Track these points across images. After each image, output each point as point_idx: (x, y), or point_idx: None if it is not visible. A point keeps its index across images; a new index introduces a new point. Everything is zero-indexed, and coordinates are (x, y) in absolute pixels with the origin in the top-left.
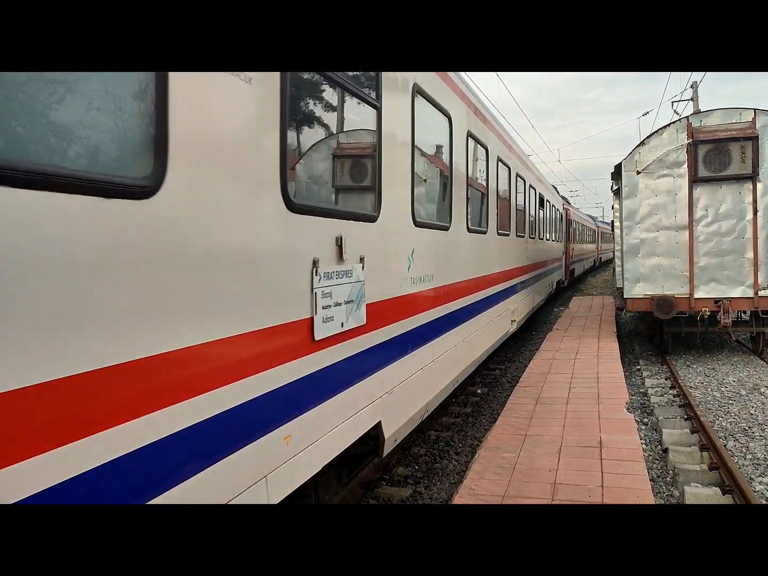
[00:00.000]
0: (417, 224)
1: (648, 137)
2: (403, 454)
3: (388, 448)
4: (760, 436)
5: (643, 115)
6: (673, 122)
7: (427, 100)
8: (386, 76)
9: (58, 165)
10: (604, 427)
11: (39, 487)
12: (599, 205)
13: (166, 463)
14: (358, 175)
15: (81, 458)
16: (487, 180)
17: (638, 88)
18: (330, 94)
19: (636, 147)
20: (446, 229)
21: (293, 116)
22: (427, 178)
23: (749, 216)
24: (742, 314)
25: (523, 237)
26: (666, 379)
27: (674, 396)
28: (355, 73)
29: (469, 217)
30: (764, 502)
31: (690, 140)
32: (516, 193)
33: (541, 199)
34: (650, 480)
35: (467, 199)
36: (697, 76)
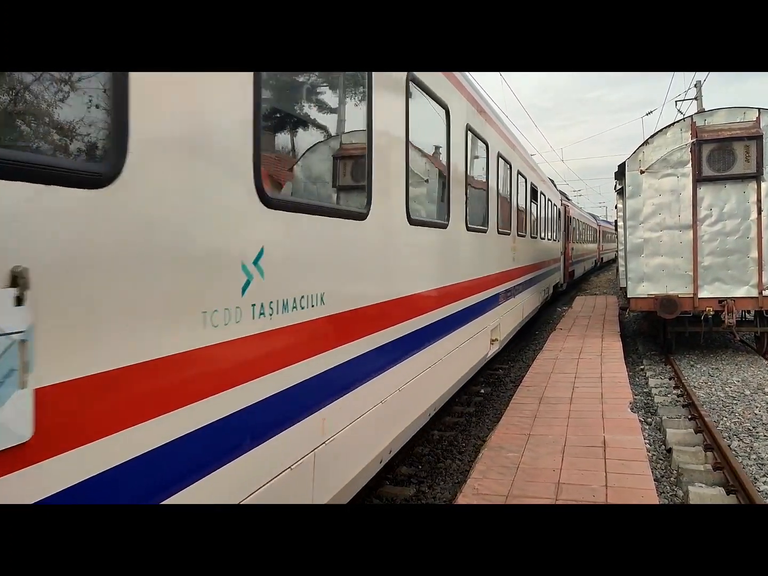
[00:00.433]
0: (268, 205)
1: (652, 136)
2: (407, 454)
3: None
4: (765, 436)
5: (647, 114)
6: (677, 121)
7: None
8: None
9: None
10: (608, 427)
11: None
12: (602, 204)
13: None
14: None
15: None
16: (448, 156)
17: (642, 87)
18: (313, 80)
19: (640, 146)
20: (361, 217)
21: (269, 105)
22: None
23: (753, 215)
24: (746, 314)
25: (509, 235)
26: (670, 378)
27: (678, 396)
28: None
29: (412, 202)
30: None
31: (694, 139)
32: (498, 178)
33: (534, 191)
34: (654, 480)
35: (406, 175)
36: (701, 75)
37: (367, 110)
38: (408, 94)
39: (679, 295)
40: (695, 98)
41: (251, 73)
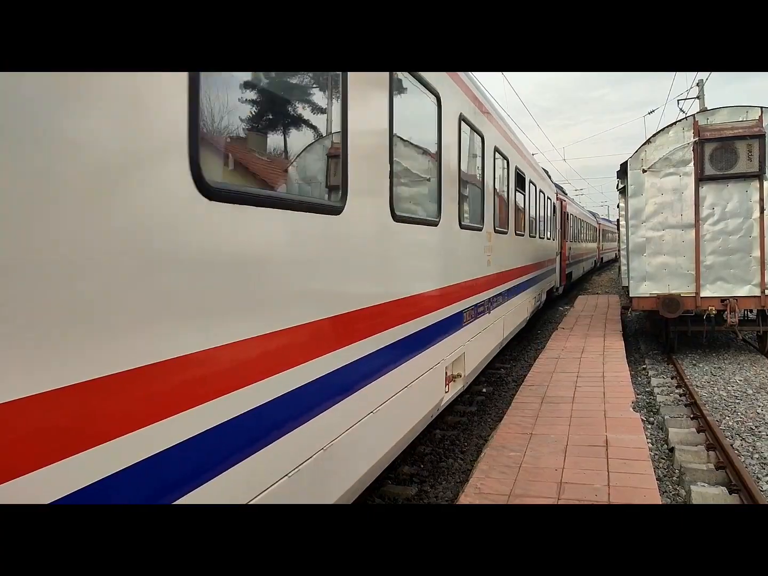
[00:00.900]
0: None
1: (654, 135)
2: (409, 453)
3: None
4: (767, 435)
5: (649, 113)
6: (679, 120)
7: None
8: None
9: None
10: (610, 426)
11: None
12: (604, 203)
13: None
14: None
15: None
16: (390, 114)
17: (644, 86)
18: None
19: (642, 145)
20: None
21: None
22: None
23: (756, 214)
24: (749, 313)
25: (481, 231)
26: (672, 378)
27: (680, 395)
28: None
29: (312, 178)
30: None
31: (696, 138)
32: (468, 155)
33: (520, 178)
34: (657, 479)
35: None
36: (703, 74)
37: (342, 88)
38: (391, 77)
39: (682, 295)
40: (697, 97)
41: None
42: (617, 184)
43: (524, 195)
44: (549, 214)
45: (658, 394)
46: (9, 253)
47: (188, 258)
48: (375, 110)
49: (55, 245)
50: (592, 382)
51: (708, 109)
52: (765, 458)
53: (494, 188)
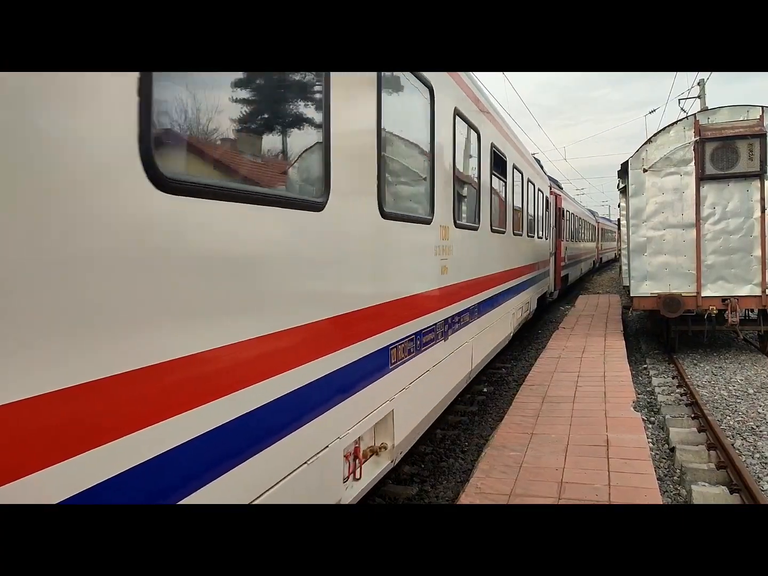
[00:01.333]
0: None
1: (655, 135)
2: (410, 453)
3: None
4: None
5: (650, 112)
6: (680, 120)
7: None
8: None
9: None
10: (611, 426)
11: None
12: (605, 203)
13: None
14: None
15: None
16: (377, 97)
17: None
18: None
19: (643, 145)
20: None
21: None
22: None
23: (757, 214)
24: (750, 312)
25: (428, 224)
26: (673, 377)
27: (681, 395)
28: None
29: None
30: None
31: (697, 138)
32: (427, 128)
33: (499, 160)
34: (657, 479)
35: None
36: (704, 74)
37: (324, 77)
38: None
39: (683, 294)
40: (698, 96)
41: None
42: (618, 184)
43: (505, 182)
44: (541, 209)
45: (659, 393)
46: None
47: (137, 257)
48: (359, 98)
49: None
50: (593, 381)
51: (709, 108)
52: (766, 458)
53: (453, 165)
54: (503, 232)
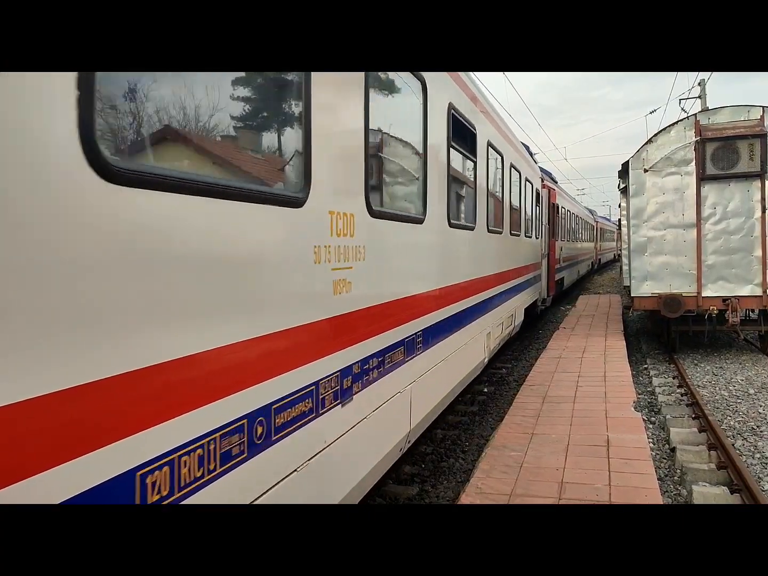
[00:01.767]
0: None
1: (655, 135)
2: (410, 453)
3: None
4: None
5: (651, 112)
6: (681, 120)
7: None
8: None
9: None
10: (612, 426)
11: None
12: (606, 203)
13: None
14: None
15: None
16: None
17: (645, 85)
18: None
19: (643, 145)
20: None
21: None
22: None
23: (757, 214)
24: (750, 313)
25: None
26: (673, 377)
27: (682, 395)
28: None
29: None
30: None
31: (698, 138)
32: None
33: (465, 134)
34: (658, 479)
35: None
36: (704, 74)
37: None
38: None
39: (683, 294)
40: (699, 96)
41: None
42: (618, 184)
43: (475, 161)
44: (530, 204)
45: (659, 393)
46: None
47: (77, 256)
48: (343, 89)
49: None
50: (593, 381)
51: (709, 108)
52: (766, 458)
53: (382, 135)
54: (471, 229)
